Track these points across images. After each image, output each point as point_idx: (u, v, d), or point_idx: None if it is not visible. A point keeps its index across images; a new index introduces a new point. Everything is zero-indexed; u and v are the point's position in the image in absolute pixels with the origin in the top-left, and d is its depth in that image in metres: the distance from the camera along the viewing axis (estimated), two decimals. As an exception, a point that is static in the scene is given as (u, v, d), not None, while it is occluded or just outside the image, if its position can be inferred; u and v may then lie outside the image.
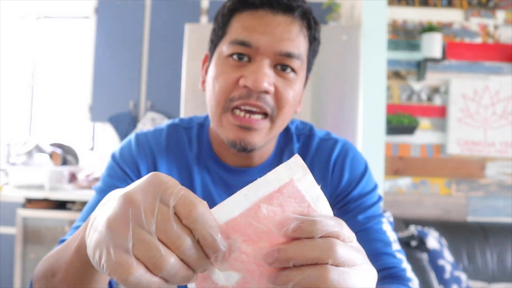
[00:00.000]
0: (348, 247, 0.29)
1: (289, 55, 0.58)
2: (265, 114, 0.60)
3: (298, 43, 0.59)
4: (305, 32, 0.61)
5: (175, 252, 0.28)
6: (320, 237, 0.28)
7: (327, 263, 0.28)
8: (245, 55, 0.59)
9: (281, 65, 0.59)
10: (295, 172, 0.31)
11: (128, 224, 0.28)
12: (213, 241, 0.29)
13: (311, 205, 0.31)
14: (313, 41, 0.64)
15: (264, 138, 0.62)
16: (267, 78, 0.57)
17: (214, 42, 0.65)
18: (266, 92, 0.58)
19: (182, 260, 0.29)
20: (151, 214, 0.28)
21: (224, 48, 0.60)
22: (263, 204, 0.30)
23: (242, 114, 0.59)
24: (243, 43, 0.58)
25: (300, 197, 0.30)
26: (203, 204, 0.29)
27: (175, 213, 0.29)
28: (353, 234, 0.31)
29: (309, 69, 0.66)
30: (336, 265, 0.28)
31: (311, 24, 0.62)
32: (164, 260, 0.27)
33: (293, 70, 0.60)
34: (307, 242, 0.28)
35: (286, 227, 0.28)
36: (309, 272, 0.28)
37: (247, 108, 0.58)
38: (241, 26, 0.59)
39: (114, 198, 0.31)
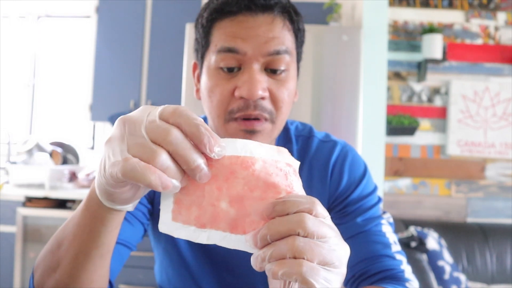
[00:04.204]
0: (319, 221, 0.31)
1: (277, 53, 0.58)
2: (265, 119, 0.60)
3: (283, 39, 0.59)
4: (288, 26, 0.61)
5: (166, 147, 0.31)
6: (294, 213, 0.31)
7: (297, 234, 0.30)
8: (233, 67, 0.59)
9: (271, 69, 0.59)
10: (296, 164, 0.36)
11: (123, 135, 0.32)
12: (198, 130, 0.31)
13: (293, 188, 0.34)
14: (298, 32, 0.64)
15: (268, 138, 0.63)
16: (260, 85, 0.57)
17: (200, 52, 0.64)
18: (262, 98, 0.59)
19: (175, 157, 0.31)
20: (141, 122, 0.32)
21: (212, 58, 0.60)
22: (261, 161, 0.34)
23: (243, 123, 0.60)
24: (230, 50, 0.58)
25: (288, 178, 0.34)
26: (185, 107, 0.33)
27: (161, 119, 0.32)
28: (327, 213, 0.34)
29: (299, 59, 0.67)
30: (306, 236, 0.30)
31: (293, 16, 0.62)
32: (155, 153, 0.30)
33: (283, 69, 0.60)
34: (279, 218, 0.31)
35: (265, 213, 0.32)
36: (279, 244, 0.30)
37: (247, 117, 0.59)
38: (223, 33, 0.59)
39: None
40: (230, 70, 0.59)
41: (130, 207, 0.39)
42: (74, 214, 0.44)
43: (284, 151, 0.35)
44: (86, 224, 0.41)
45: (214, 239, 0.33)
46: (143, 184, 0.30)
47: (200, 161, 0.32)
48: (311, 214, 0.32)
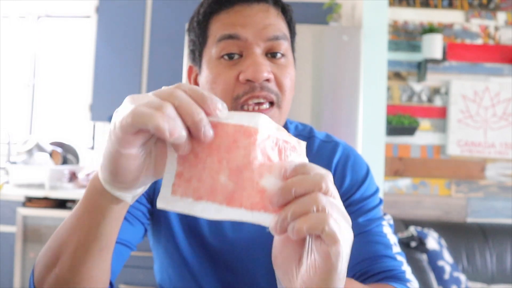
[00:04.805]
0: (333, 184, 0.35)
1: (276, 38, 0.60)
2: (271, 103, 0.60)
3: (280, 26, 0.62)
4: (282, 16, 0.63)
5: (171, 101, 0.32)
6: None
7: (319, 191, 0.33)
8: (235, 53, 0.60)
9: (271, 53, 0.61)
10: (299, 142, 0.39)
11: (132, 103, 0.33)
12: (202, 94, 0.33)
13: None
14: (291, 23, 0.66)
15: None
16: (265, 67, 0.58)
17: (198, 51, 0.65)
18: (267, 80, 0.59)
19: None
20: (149, 93, 0.34)
21: (213, 50, 0.61)
22: (266, 134, 0.35)
23: (250, 108, 0.59)
24: (230, 36, 0.59)
25: (285, 153, 0.36)
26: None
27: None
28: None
29: (293, 50, 0.68)
30: (326, 194, 0.33)
31: (285, 7, 0.64)
32: (162, 104, 0.31)
33: (282, 54, 0.62)
34: (302, 175, 0.33)
35: (285, 170, 0.34)
36: (303, 199, 0.32)
37: (255, 101, 0.59)
38: (222, 24, 0.60)
39: None
40: (231, 57, 0.60)
41: (129, 197, 0.38)
42: (72, 212, 0.44)
43: (284, 131, 0.38)
44: (85, 216, 0.41)
45: (208, 211, 0.34)
46: (152, 128, 0.30)
47: (204, 116, 0.33)
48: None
